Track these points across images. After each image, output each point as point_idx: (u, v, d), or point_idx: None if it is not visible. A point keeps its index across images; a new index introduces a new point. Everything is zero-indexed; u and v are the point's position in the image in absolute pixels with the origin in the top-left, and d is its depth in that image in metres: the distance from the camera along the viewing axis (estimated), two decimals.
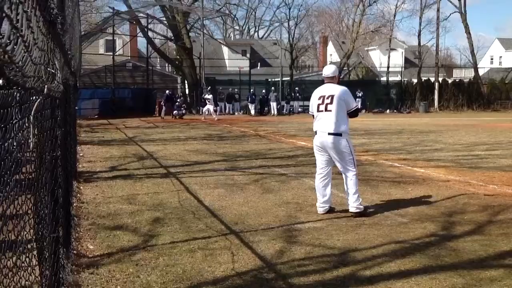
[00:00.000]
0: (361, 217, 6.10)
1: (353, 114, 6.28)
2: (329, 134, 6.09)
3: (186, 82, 37.20)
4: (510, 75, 42.30)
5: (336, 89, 6.21)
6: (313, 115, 6.40)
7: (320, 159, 6.33)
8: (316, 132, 6.27)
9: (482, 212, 6.46)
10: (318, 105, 6.19)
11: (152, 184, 8.17)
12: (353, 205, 6.17)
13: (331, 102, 6.10)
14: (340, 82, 6.46)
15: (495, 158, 11.42)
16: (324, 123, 6.14)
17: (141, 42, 46.17)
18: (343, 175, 6.28)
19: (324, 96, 6.18)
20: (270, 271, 4.37)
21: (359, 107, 6.57)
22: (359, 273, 4.31)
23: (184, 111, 27.63)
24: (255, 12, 65.12)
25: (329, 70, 6.43)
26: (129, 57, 39.13)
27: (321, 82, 6.52)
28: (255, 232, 5.52)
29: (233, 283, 4.10)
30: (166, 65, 47.58)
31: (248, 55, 48.36)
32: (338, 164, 6.26)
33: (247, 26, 68.92)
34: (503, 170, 9.74)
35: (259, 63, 49.59)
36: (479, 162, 10.95)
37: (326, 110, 6.12)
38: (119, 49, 37.40)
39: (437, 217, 6.20)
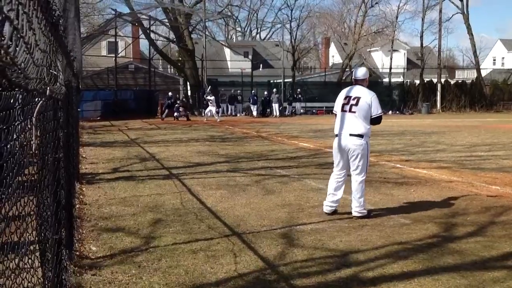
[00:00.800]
0: (363, 219, 6.10)
1: (375, 120, 6.16)
2: (350, 135, 6.06)
3: (188, 83, 37.23)
4: None
5: (364, 92, 6.15)
6: (335, 115, 6.36)
7: (339, 161, 6.26)
8: (337, 134, 6.19)
9: (484, 213, 6.45)
10: (343, 104, 6.14)
11: (154, 186, 8.18)
12: (356, 210, 6.15)
13: (356, 104, 6.05)
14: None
15: (498, 159, 11.40)
16: (346, 125, 6.09)
17: (143, 44, 46.30)
18: (352, 178, 6.22)
19: (350, 97, 6.14)
20: (273, 272, 4.37)
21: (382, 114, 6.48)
22: (362, 275, 4.30)
23: (182, 112, 27.58)
24: (257, 14, 65.23)
25: (360, 73, 6.37)
26: (131, 59, 39.18)
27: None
28: (257, 233, 5.51)
29: (235, 284, 4.10)
30: (168, 66, 47.64)
31: (250, 56, 48.47)
32: (351, 166, 6.19)
33: (249, 28, 69.06)
34: (506, 171, 9.72)
35: (261, 65, 49.63)
36: (481, 163, 10.93)
37: (350, 111, 6.07)
38: (121, 51, 37.48)
39: (439, 218, 6.19)
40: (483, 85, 40.50)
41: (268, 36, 68.15)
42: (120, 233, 5.51)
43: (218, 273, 4.31)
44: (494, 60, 66.60)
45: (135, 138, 16.94)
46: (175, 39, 38.67)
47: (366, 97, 6.10)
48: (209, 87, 29.99)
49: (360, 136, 6.06)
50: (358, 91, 6.19)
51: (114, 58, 32.54)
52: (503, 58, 65.49)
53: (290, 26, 47.32)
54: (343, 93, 6.30)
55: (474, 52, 42.49)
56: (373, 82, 45.35)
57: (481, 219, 6.16)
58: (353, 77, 6.47)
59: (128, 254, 4.81)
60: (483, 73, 45.54)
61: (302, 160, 11.34)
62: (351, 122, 6.08)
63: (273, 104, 33.02)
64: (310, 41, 57.30)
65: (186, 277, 4.23)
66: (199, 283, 4.11)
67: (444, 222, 6.01)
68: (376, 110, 6.13)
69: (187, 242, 5.15)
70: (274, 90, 34.09)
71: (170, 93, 29.99)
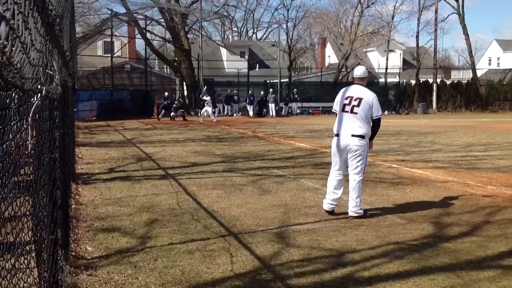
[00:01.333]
0: (359, 219, 6.11)
1: (375, 123, 6.19)
2: (352, 136, 6.06)
3: (184, 83, 37.20)
4: (508, 76, 42.38)
5: (366, 93, 6.15)
6: (335, 113, 6.35)
7: (337, 161, 6.26)
8: (337, 134, 6.19)
9: (480, 213, 6.48)
10: (344, 105, 6.12)
11: (150, 186, 8.17)
12: (353, 210, 6.17)
13: (358, 105, 6.05)
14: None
15: (493, 159, 11.44)
16: (347, 125, 6.09)
17: (140, 43, 46.23)
18: (350, 177, 6.25)
19: (352, 98, 6.11)
20: (269, 272, 4.38)
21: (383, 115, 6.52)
22: (358, 274, 4.31)
23: (179, 113, 27.55)
24: (253, 14, 65.26)
25: (360, 71, 6.36)
26: (127, 59, 39.09)
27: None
28: (253, 233, 5.52)
29: (231, 284, 4.10)
30: (165, 66, 47.57)
31: (246, 56, 48.48)
32: (349, 165, 6.21)
33: (245, 28, 69.13)
34: (501, 171, 9.76)
35: (257, 65, 49.63)
36: (477, 163, 10.97)
37: (351, 112, 6.07)
38: (117, 51, 37.38)
39: (435, 218, 6.21)
40: (478, 85, 40.62)
41: (265, 36, 68.27)
42: (116, 233, 5.50)
43: (214, 273, 4.31)
44: (490, 60, 66.81)
45: (131, 138, 16.91)
46: (171, 39, 38.62)
47: (368, 98, 6.10)
48: (205, 87, 29.97)
49: (362, 137, 6.08)
50: (360, 91, 6.17)
51: (110, 58, 32.45)
52: (498, 58, 65.71)
53: (287, 26, 47.30)
54: (343, 93, 6.26)
55: (470, 53, 42.61)
56: (369, 82, 45.20)
57: (476, 218, 6.18)
58: (353, 76, 6.43)
59: (124, 254, 4.80)
60: (479, 73, 45.67)
61: (299, 160, 11.34)
62: (352, 122, 6.08)
63: (270, 104, 33.03)
64: (307, 41, 57.28)
65: (182, 277, 4.23)
66: (195, 283, 4.11)
67: (440, 222, 6.03)
68: (377, 112, 6.15)
69: (183, 242, 5.15)
70: (271, 90, 34.11)
71: (166, 93, 29.97)
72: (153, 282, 4.12)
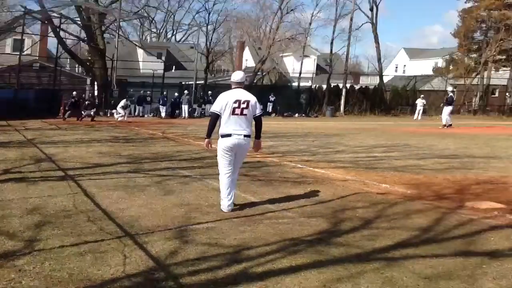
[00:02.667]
0: (237, 211, 6.43)
1: (259, 119, 6.63)
2: (244, 136, 6.42)
3: (95, 83, 35.82)
4: (411, 83, 45.10)
5: (250, 96, 6.55)
6: (216, 115, 6.48)
7: (228, 160, 6.52)
8: (230, 134, 6.40)
9: (372, 209, 6.83)
10: (234, 108, 6.39)
11: (46, 187, 7.77)
12: (233, 201, 6.57)
13: (247, 107, 6.42)
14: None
15: (390, 160, 12.12)
16: (239, 126, 6.40)
17: (52, 42, 43.78)
18: (233, 175, 6.59)
19: (240, 101, 6.42)
20: (162, 271, 4.32)
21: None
22: (251, 270, 4.37)
23: (91, 112, 26.59)
24: (174, 16, 64.40)
25: (240, 76, 6.68)
26: (37, 57, 36.98)
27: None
28: (151, 233, 5.43)
29: (121, 285, 4.00)
30: (76, 66, 45.56)
31: (163, 57, 47.73)
32: (234, 163, 6.58)
33: (164, 29, 68.10)
34: (396, 170, 10.37)
35: (174, 66, 49.02)
36: (375, 163, 11.56)
37: (241, 114, 6.40)
38: (27, 49, 35.28)
39: (331, 214, 6.47)
40: (384, 90, 42.93)
41: (184, 38, 67.71)
42: (2, 236, 5.17)
43: (105, 275, 4.18)
44: (397, 67, 70.79)
45: (32, 138, 15.98)
46: (85, 38, 37.05)
47: (252, 99, 6.54)
48: (116, 88, 29.12)
49: (249, 136, 6.50)
50: (245, 95, 6.52)
51: (18, 56, 30.48)
52: (405, 65, 69.78)
53: (207, 29, 46.99)
54: (229, 97, 6.45)
55: (379, 60, 44.95)
56: (283, 86, 46.57)
57: (369, 214, 6.52)
58: (232, 80, 6.67)
59: (8, 258, 4.53)
60: (386, 79, 48.22)
61: (207, 161, 11.31)
62: (244, 124, 6.44)
63: (183, 106, 32.72)
64: (226, 45, 57.45)
65: (69, 280, 4.06)
66: (83, 286, 3.97)
67: (335, 218, 6.29)
68: (259, 109, 6.65)
69: (74, 245, 4.94)
70: (185, 91, 33.85)
71: (74, 93, 28.72)
72: (37, 286, 3.92)
